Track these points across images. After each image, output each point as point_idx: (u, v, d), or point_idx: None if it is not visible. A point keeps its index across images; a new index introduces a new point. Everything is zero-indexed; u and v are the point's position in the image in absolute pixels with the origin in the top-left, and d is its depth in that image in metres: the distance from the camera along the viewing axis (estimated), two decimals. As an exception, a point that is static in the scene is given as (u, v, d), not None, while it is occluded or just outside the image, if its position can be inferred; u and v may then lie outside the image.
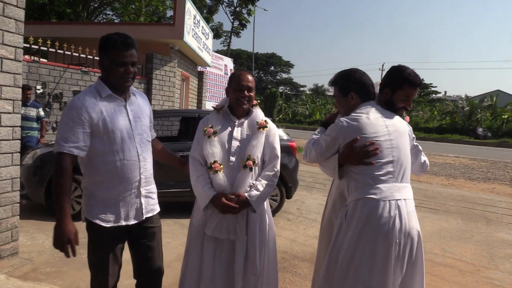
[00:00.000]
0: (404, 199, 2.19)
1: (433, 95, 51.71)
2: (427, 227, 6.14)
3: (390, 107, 2.46)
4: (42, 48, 7.85)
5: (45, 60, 7.86)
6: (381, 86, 2.56)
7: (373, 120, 2.24)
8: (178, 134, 7.26)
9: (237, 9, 30.92)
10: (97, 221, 2.28)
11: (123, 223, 2.33)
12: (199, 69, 14.92)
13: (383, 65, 53.01)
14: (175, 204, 6.18)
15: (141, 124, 2.40)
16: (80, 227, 5.30)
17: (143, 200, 2.39)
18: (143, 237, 2.44)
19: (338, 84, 2.43)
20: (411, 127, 2.46)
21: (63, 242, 2.12)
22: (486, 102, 31.10)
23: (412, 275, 2.21)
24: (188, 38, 10.57)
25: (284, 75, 65.62)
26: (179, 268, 4.03)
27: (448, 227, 6.24)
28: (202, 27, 12.55)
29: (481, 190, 9.69)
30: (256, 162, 2.50)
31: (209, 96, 16.09)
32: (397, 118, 2.36)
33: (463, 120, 29.63)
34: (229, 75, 18.54)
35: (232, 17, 31.47)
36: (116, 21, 19.67)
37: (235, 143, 2.52)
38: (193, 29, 11.09)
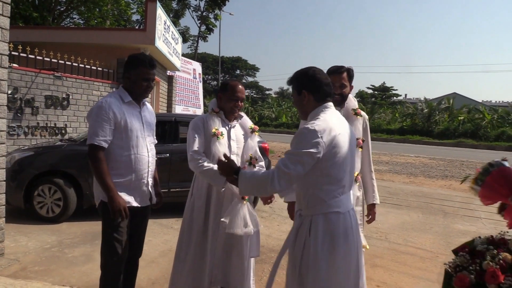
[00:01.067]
0: (354, 207, 2.34)
1: (394, 98, 53.51)
2: (391, 220, 6.62)
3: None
4: (13, 53, 7.82)
5: (17, 65, 7.83)
6: None
7: (336, 128, 2.09)
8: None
9: (204, 13, 31.12)
10: None
11: (135, 204, 2.75)
12: (168, 74, 15.05)
13: (346, 69, 54.18)
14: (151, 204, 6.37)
15: (150, 128, 2.88)
16: (65, 228, 5.47)
17: (150, 188, 2.86)
18: (139, 219, 2.87)
19: (293, 82, 2.25)
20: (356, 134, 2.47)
21: (120, 210, 2.59)
22: (444, 105, 32.64)
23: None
24: (159, 43, 10.74)
25: (250, 79, 66.15)
26: (164, 263, 4.31)
27: (409, 220, 6.74)
28: (172, 32, 12.72)
29: (439, 187, 10.36)
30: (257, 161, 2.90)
31: (179, 100, 16.21)
32: (347, 124, 2.29)
33: (423, 122, 30.97)
34: (197, 79, 18.78)
35: (199, 21, 31.63)
36: (82, 25, 19.49)
37: (234, 144, 2.91)
38: (163, 34, 11.26)
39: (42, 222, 5.63)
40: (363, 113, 3.14)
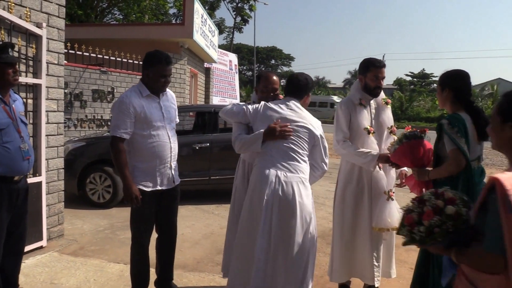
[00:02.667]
0: (285, 173, 2.72)
1: (435, 85, 51.82)
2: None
3: (367, 90, 3.24)
4: (63, 50, 8.34)
5: (66, 62, 8.34)
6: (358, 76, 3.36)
7: (271, 111, 2.85)
8: (193, 127, 7.73)
9: (239, 4, 31.34)
10: (140, 187, 2.99)
11: (159, 188, 3.06)
12: (205, 66, 15.41)
13: (383, 56, 53.11)
14: (193, 192, 6.72)
15: (170, 116, 3.15)
16: (115, 212, 5.89)
17: (173, 171, 3.14)
18: (168, 200, 3.18)
19: None
20: (319, 125, 2.95)
21: (132, 198, 2.91)
22: (487, 91, 31.52)
23: (282, 232, 2.68)
24: (197, 37, 11.06)
25: (285, 68, 65.77)
26: (207, 245, 4.62)
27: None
28: (209, 25, 13.03)
29: (479, 175, 10.16)
30: None
31: (216, 92, 16.57)
32: (302, 115, 2.88)
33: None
34: (234, 70, 19.06)
35: (234, 13, 31.90)
36: (123, 20, 20.20)
37: None
38: (201, 27, 11.58)
39: (94, 207, 6.09)
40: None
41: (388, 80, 51.52)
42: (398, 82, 51.71)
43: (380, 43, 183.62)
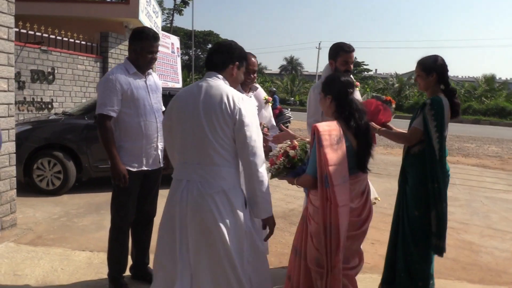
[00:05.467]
0: (198, 184, 2.13)
1: (365, 73, 54.33)
2: (374, 187, 7.03)
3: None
4: (-4, 26, 7.66)
5: (0, 39, 7.68)
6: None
7: (178, 100, 2.24)
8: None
9: (178, -14, 30.47)
10: (126, 167, 2.90)
11: (145, 168, 3.00)
12: (148, 48, 14.87)
13: (319, 44, 54.69)
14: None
15: (156, 96, 3.09)
16: (67, 199, 5.65)
17: (159, 152, 3.08)
18: (152, 181, 3.14)
19: None
20: (239, 108, 2.10)
21: (120, 177, 2.85)
22: (413, 79, 33.55)
23: (199, 247, 2.15)
24: (142, 17, 10.64)
25: (223, 54, 65.14)
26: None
27: (391, 187, 7.19)
28: (153, 5, 12.57)
29: (415, 158, 10.89)
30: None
31: (159, 75, 16.07)
32: (203, 94, 2.15)
33: (394, 96, 31.86)
34: (176, 53, 18.57)
35: (173, -6, 30.97)
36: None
37: None
38: (146, 7, 11.15)
39: (43, 194, 5.74)
40: None
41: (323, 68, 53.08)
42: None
43: (316, 31, 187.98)
